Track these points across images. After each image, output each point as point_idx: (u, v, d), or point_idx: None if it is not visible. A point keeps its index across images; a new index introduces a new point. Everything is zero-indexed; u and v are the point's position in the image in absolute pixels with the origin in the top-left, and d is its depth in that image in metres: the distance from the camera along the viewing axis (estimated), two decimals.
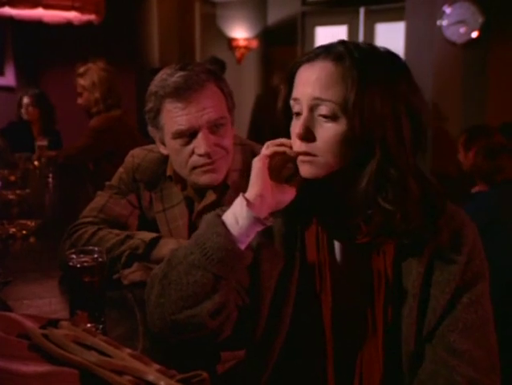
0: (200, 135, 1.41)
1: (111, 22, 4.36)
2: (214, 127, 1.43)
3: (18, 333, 0.88)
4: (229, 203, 1.04)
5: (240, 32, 6.90)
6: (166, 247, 1.39)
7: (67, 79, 3.28)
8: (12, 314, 0.95)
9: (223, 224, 1.00)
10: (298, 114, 1.01)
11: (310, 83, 0.99)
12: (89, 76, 3.32)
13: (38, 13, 3.80)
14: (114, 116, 3.34)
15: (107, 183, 1.62)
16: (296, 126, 1.01)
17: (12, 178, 3.06)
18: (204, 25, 6.57)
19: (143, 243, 1.41)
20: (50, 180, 3.19)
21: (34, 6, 3.65)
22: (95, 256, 1.14)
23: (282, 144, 1.04)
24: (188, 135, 1.42)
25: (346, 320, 1.06)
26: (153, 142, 1.57)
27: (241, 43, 6.87)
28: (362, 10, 6.35)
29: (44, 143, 3.54)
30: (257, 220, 0.99)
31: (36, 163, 3.49)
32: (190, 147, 1.43)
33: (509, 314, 2.14)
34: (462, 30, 5.06)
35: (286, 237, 1.08)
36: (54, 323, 0.93)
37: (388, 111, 0.95)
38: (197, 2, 6.42)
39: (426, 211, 1.00)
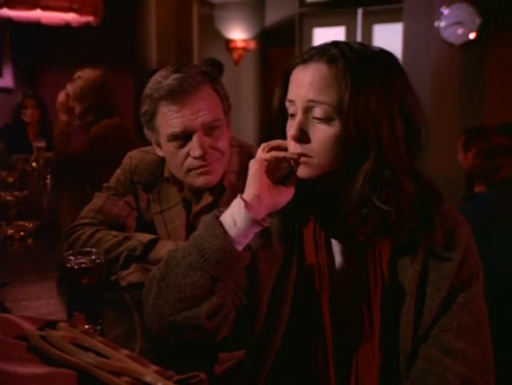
0: (195, 138, 1.41)
1: (109, 24, 4.36)
2: (209, 130, 1.43)
3: (16, 334, 0.88)
4: (226, 204, 1.04)
5: (238, 33, 6.90)
6: (164, 248, 1.39)
7: (65, 81, 3.25)
8: (10, 316, 0.95)
9: (221, 225, 1.00)
10: (293, 115, 1.02)
11: (304, 86, 0.99)
12: (75, 86, 3.15)
13: (37, 14, 3.81)
14: (113, 124, 3.27)
15: (105, 184, 1.62)
16: (291, 127, 1.01)
17: (10, 179, 3.06)
18: (202, 26, 6.57)
19: (141, 244, 1.41)
20: (48, 181, 3.18)
21: (33, 7, 3.65)
22: (93, 257, 1.14)
23: (278, 146, 1.04)
24: (183, 137, 1.42)
25: (343, 319, 1.06)
26: (150, 144, 1.57)
27: (239, 44, 6.88)
28: (360, 12, 6.35)
29: (42, 144, 3.52)
30: (254, 221, 0.99)
31: (34, 164, 3.47)
32: (185, 149, 1.43)
33: (506, 313, 2.14)
34: (460, 31, 5.06)
35: (284, 237, 1.08)
36: (52, 325, 0.93)
37: (383, 111, 0.95)
38: (194, 4, 6.42)
39: (421, 210, 1.00)
